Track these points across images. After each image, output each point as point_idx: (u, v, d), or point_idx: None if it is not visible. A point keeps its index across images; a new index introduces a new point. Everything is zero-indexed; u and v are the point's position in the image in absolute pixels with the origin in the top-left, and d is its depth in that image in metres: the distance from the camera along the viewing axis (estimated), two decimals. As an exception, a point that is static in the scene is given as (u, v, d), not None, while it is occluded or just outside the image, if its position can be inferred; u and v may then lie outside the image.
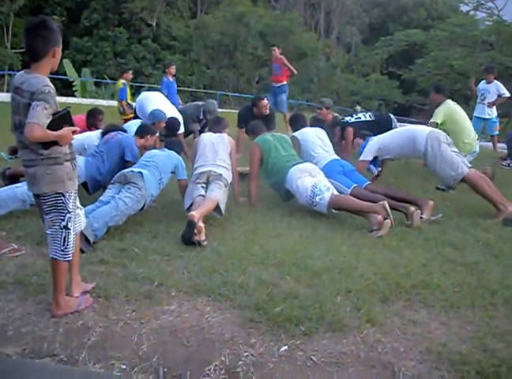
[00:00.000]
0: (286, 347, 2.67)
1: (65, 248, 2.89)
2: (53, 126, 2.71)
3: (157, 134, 6.68)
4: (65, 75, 23.66)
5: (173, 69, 10.52)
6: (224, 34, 32.03)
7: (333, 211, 5.05)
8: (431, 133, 5.56)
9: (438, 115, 6.66)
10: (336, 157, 5.86)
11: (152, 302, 3.10)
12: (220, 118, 5.88)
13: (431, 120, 6.70)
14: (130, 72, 10.18)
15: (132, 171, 4.65)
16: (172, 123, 7.22)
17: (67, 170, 2.87)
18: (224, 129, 5.60)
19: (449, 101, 6.84)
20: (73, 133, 2.85)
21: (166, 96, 9.59)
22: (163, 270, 3.56)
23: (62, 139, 2.77)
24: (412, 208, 4.94)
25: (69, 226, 2.89)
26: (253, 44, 32.27)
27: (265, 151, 5.50)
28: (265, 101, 7.80)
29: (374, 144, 5.91)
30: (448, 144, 5.50)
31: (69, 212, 2.88)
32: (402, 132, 5.97)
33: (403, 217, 4.98)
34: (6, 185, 5.01)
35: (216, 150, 5.18)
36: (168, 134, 7.15)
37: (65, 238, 2.88)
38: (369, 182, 5.60)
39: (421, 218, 4.94)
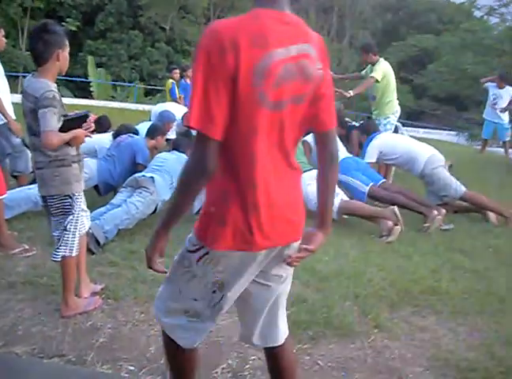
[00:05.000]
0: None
1: (58, 249, 2.86)
2: (69, 126, 2.74)
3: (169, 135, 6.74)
4: (85, 74, 23.90)
5: (191, 72, 10.56)
6: None
7: (344, 216, 5.04)
8: (431, 158, 5.48)
9: (379, 72, 6.59)
10: (349, 155, 5.81)
11: (160, 305, 3.11)
12: None
13: (371, 74, 6.62)
14: (177, 71, 10.48)
15: (143, 176, 4.67)
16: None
17: (74, 171, 2.88)
18: None
19: (383, 59, 6.85)
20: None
21: (184, 98, 9.76)
22: (172, 272, 3.56)
23: (75, 139, 2.80)
24: (436, 212, 4.94)
25: (68, 227, 2.87)
26: None
27: None
28: None
29: (376, 147, 5.80)
30: (444, 168, 5.55)
31: (72, 214, 2.88)
32: (403, 149, 5.71)
33: (413, 222, 4.96)
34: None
35: None
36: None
37: (65, 240, 2.86)
38: (384, 180, 5.58)
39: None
